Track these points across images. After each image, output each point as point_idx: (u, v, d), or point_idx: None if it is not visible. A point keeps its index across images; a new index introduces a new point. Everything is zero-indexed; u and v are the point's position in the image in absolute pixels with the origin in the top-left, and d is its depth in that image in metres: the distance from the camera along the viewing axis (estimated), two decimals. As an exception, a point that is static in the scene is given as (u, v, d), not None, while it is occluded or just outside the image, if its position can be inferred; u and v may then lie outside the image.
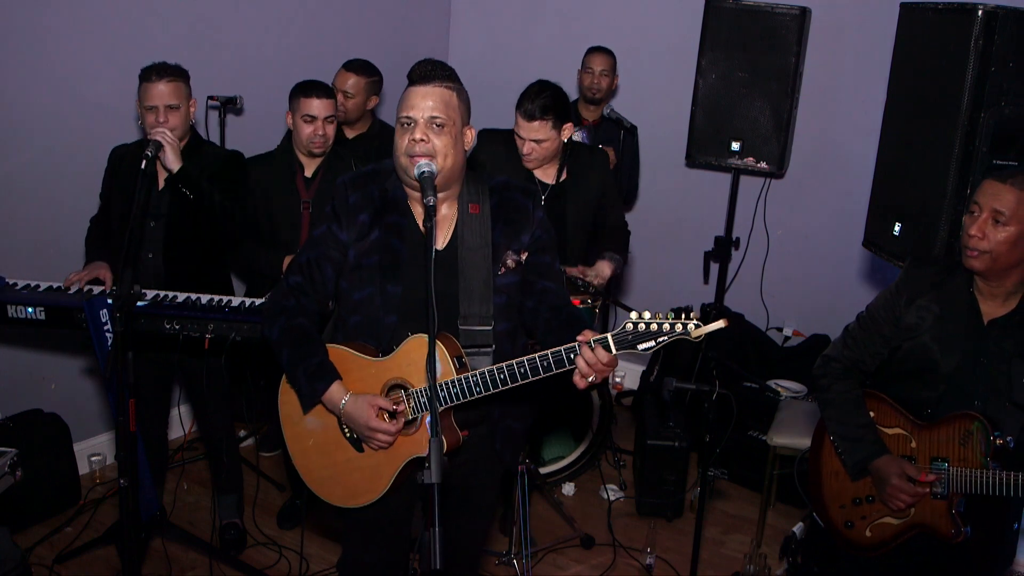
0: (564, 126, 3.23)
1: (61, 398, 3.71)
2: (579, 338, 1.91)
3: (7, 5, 3.30)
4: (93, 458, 3.83)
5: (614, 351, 1.90)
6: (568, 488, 4.00)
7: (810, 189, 4.48)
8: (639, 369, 4.81)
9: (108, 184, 3.18)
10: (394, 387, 2.11)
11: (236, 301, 2.99)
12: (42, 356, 3.70)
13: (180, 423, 3.65)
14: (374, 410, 2.07)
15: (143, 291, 2.94)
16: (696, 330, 1.87)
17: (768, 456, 3.46)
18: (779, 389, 4.11)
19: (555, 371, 1.95)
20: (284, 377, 2.23)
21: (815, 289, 4.53)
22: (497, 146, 3.37)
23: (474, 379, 2.00)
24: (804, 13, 4.00)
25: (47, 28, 3.42)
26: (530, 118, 3.16)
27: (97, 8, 3.55)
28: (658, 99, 4.69)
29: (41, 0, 3.38)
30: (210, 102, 3.81)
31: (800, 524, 3.27)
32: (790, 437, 3.40)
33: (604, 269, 3.38)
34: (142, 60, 3.01)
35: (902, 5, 3.15)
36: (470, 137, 2.15)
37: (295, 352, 2.15)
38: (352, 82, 3.83)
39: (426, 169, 2.00)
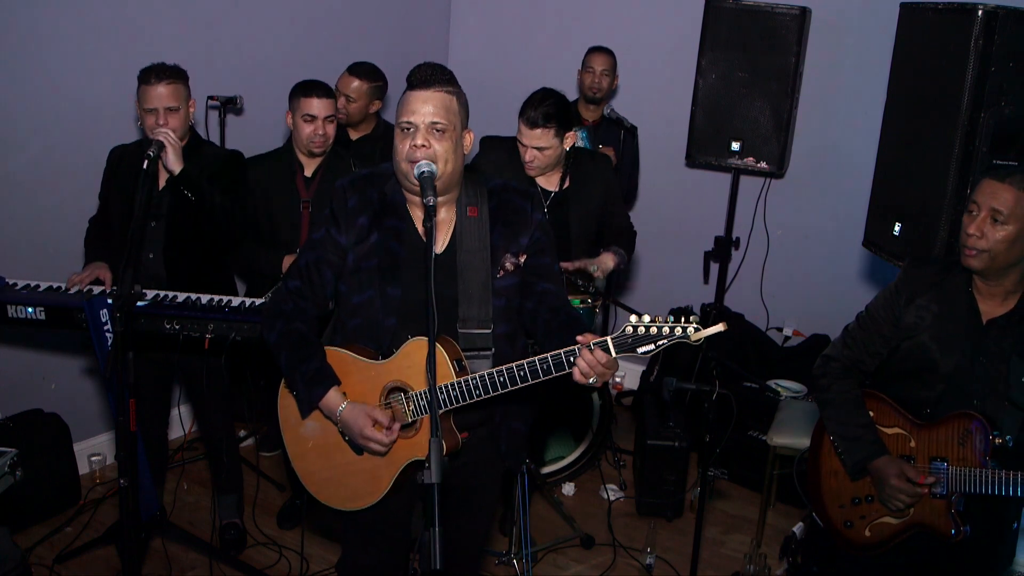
0: (567, 134, 3.22)
1: (61, 398, 3.71)
2: (579, 339, 1.92)
3: (6, 5, 3.30)
4: (93, 458, 3.83)
5: (614, 354, 1.90)
6: (568, 488, 4.00)
7: (810, 189, 4.48)
8: (639, 369, 4.81)
9: (107, 184, 3.18)
10: (394, 390, 2.11)
11: (236, 301, 2.99)
12: (42, 356, 3.70)
13: (180, 423, 3.65)
14: (370, 420, 2.08)
15: (143, 291, 2.94)
16: (696, 334, 1.87)
17: (768, 456, 3.46)
18: (779, 389, 4.11)
19: (555, 374, 1.95)
20: (283, 380, 2.23)
21: (815, 289, 4.53)
22: (500, 153, 3.37)
23: (473, 382, 2.00)
24: (804, 13, 4.00)
25: (47, 28, 3.42)
26: (532, 125, 3.16)
27: (96, 8, 3.55)
28: (658, 99, 4.69)
29: (40, 0, 3.38)
30: (210, 102, 3.81)
31: (800, 524, 3.27)
32: (790, 437, 3.40)
33: (607, 261, 3.38)
34: (142, 60, 3.01)
35: (902, 5, 3.15)
36: (469, 141, 2.15)
37: (293, 356, 2.15)
38: (355, 86, 3.83)
39: (426, 169, 2.00)
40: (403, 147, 2.04)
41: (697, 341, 1.88)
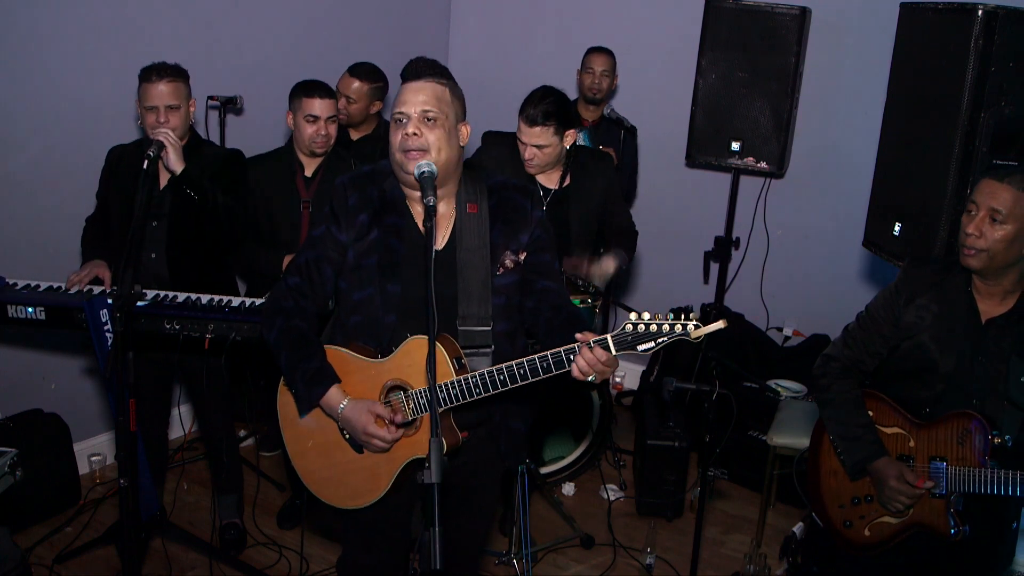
0: (567, 133, 3.22)
1: (61, 398, 3.71)
2: (578, 336, 1.92)
3: (6, 5, 3.31)
4: (93, 458, 3.83)
5: (614, 352, 1.90)
6: (568, 488, 4.00)
7: (810, 189, 4.48)
8: (639, 369, 4.81)
9: (105, 184, 3.18)
10: (393, 388, 2.11)
11: (236, 301, 2.99)
12: (42, 356, 3.70)
13: (180, 423, 3.65)
14: (372, 417, 2.07)
15: (143, 291, 2.94)
16: (695, 331, 1.87)
17: (768, 456, 3.46)
18: (779, 389, 4.12)
19: (555, 372, 1.95)
20: (283, 378, 2.23)
21: (815, 289, 4.53)
22: (502, 149, 3.37)
23: (473, 380, 2.00)
24: (804, 13, 4.00)
25: (47, 28, 3.42)
26: (532, 123, 3.15)
27: (96, 8, 3.55)
28: (658, 99, 4.69)
29: (40, 0, 3.38)
30: (210, 102, 3.81)
31: (800, 524, 3.27)
32: (790, 437, 3.39)
33: (608, 265, 3.37)
34: (142, 60, 3.01)
35: (902, 5, 3.15)
36: (466, 133, 2.15)
37: (293, 355, 2.15)
38: (356, 87, 3.83)
39: (426, 169, 2.00)
40: (396, 137, 2.06)
41: (697, 338, 1.88)
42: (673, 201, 4.80)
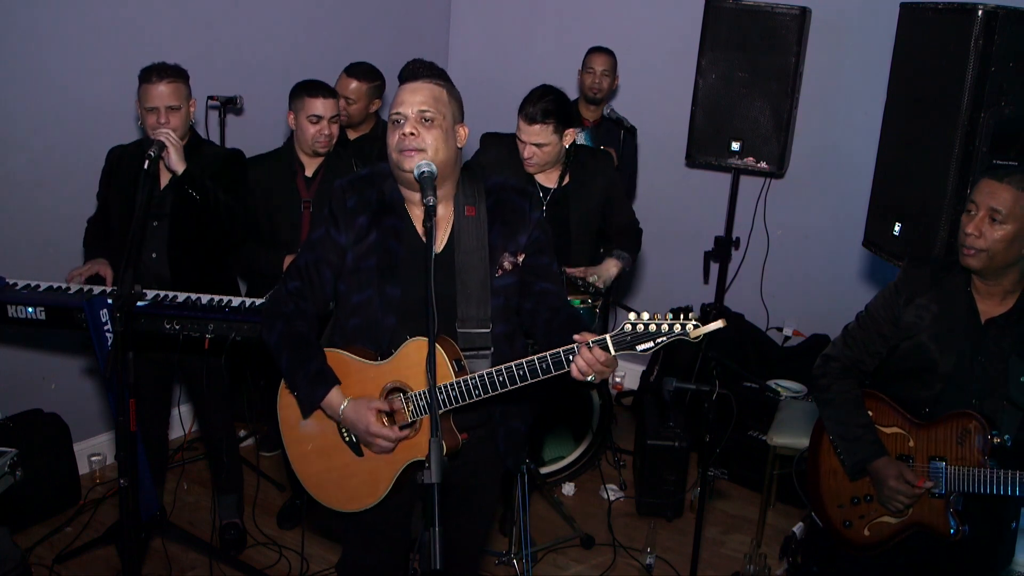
0: (566, 131, 3.21)
1: (61, 398, 3.71)
2: (576, 337, 1.92)
3: (6, 5, 3.31)
4: (93, 458, 3.83)
5: (612, 352, 1.90)
6: (568, 488, 4.00)
7: (810, 189, 4.48)
8: (639, 369, 4.81)
9: (106, 184, 3.18)
10: (393, 391, 2.11)
11: (236, 301, 2.99)
12: (42, 356, 3.70)
13: (180, 423, 3.65)
14: (373, 414, 2.07)
15: (143, 291, 2.94)
16: (694, 330, 1.87)
17: (768, 456, 3.46)
18: (779, 389, 4.11)
19: (554, 373, 1.95)
20: (283, 381, 2.23)
21: (815, 289, 4.53)
22: (500, 149, 3.36)
23: (473, 382, 2.00)
24: (804, 13, 3.99)
25: (47, 28, 3.42)
26: (531, 121, 3.15)
27: (96, 8, 3.55)
28: (658, 99, 4.69)
29: (40, 0, 3.38)
30: (210, 102, 3.81)
31: (800, 524, 3.27)
32: (790, 437, 3.39)
33: (610, 269, 3.37)
34: (142, 60, 3.01)
35: (902, 5, 3.15)
36: (463, 135, 2.15)
37: (294, 357, 2.15)
38: (354, 87, 3.83)
39: (426, 170, 2.00)
40: (393, 138, 2.06)
41: (696, 338, 1.87)
42: (673, 201, 4.80)
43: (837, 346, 2.61)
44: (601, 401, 3.94)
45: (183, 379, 3.40)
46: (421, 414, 2.10)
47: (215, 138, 3.78)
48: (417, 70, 2.08)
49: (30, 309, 2.92)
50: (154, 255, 3.10)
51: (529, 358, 1.96)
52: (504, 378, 1.98)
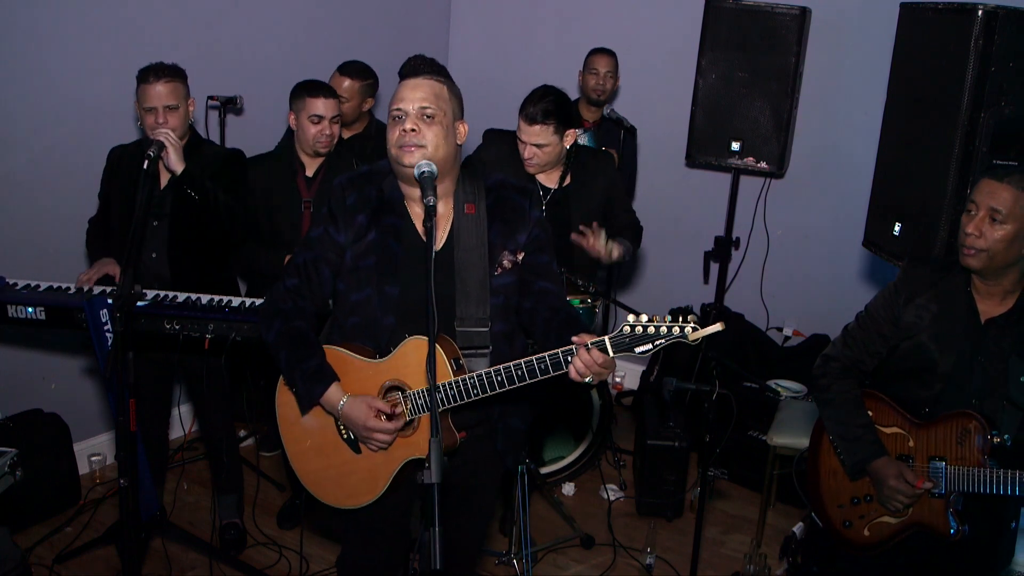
0: (567, 132, 3.20)
1: (61, 398, 3.71)
2: (574, 339, 1.92)
3: (6, 5, 3.31)
4: (93, 458, 3.83)
5: (611, 354, 1.90)
6: (568, 488, 4.00)
7: (810, 189, 4.48)
8: (639, 369, 4.81)
9: (107, 184, 3.18)
10: (391, 389, 2.11)
11: (236, 301, 2.99)
12: (42, 356, 3.70)
13: (180, 423, 3.65)
14: (372, 411, 2.07)
15: (143, 291, 2.94)
16: (693, 333, 1.87)
17: (768, 456, 3.46)
18: (779, 389, 4.11)
19: (552, 373, 1.95)
20: (281, 378, 2.23)
21: (815, 289, 4.53)
22: (502, 147, 3.36)
23: (471, 381, 2.01)
24: (804, 13, 3.99)
25: (47, 28, 3.42)
26: (531, 122, 3.14)
27: (96, 8, 3.55)
28: (658, 99, 4.69)
29: (40, 0, 3.38)
30: (210, 102, 3.81)
31: (800, 524, 3.27)
32: (790, 437, 3.39)
33: (613, 249, 3.32)
34: (141, 60, 3.01)
35: (902, 5, 3.15)
36: (463, 132, 2.15)
37: (292, 355, 2.15)
38: (347, 85, 3.82)
39: (426, 170, 2.00)
40: (393, 134, 2.06)
41: (695, 341, 1.87)
42: (673, 201, 4.80)
43: (837, 346, 2.61)
44: (601, 401, 3.94)
45: (183, 379, 3.40)
46: (419, 412, 2.10)
47: (215, 138, 3.78)
48: (418, 66, 2.09)
49: (30, 309, 2.92)
50: (154, 255, 3.10)
51: (527, 358, 1.96)
52: (502, 378, 1.98)
